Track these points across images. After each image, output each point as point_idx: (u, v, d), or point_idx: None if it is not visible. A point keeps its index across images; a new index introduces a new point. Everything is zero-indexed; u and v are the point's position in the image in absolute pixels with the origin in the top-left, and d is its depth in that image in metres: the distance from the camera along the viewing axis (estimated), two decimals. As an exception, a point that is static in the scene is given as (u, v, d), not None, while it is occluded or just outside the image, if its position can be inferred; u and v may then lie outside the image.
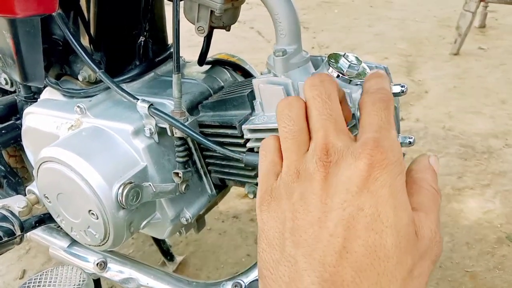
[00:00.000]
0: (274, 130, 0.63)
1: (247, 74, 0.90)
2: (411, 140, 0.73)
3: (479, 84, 2.63)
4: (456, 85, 2.64)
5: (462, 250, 1.47)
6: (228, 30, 0.75)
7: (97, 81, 0.81)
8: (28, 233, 0.94)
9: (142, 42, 0.83)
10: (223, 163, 0.77)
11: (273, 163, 0.36)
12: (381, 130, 0.32)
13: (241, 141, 0.69)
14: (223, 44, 3.21)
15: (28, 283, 0.68)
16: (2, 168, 1.04)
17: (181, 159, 0.73)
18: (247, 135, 0.67)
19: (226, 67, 0.90)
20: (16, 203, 0.82)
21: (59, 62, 0.84)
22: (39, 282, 0.69)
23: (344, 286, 0.28)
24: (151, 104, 0.69)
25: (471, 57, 3.00)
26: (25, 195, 0.85)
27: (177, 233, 0.85)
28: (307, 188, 0.31)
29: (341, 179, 0.30)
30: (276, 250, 0.31)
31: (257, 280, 0.78)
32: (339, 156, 0.31)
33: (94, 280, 0.95)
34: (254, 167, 0.69)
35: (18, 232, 0.79)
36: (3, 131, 0.96)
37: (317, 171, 0.31)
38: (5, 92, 1.05)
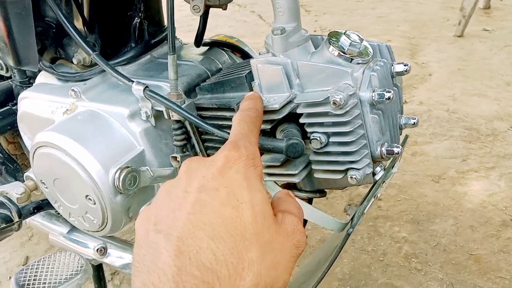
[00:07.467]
0: (273, 111, 0.61)
1: (246, 56, 0.88)
2: (414, 120, 0.71)
3: (484, 66, 2.60)
4: (460, 67, 2.60)
5: (466, 233, 1.46)
6: (225, 9, 0.73)
7: (92, 64, 0.80)
8: (27, 220, 0.93)
9: (137, 24, 0.81)
10: (221, 146, 0.75)
11: None
12: (240, 135, 0.40)
13: (240, 123, 0.68)
14: (224, 29, 3.17)
15: (26, 269, 0.68)
16: (0, 154, 1.03)
17: (178, 143, 0.72)
18: (246, 117, 0.65)
19: (225, 48, 0.88)
20: (14, 190, 0.81)
21: (53, 45, 0.82)
22: (36, 268, 0.68)
23: (200, 253, 0.32)
24: (147, 87, 0.67)
25: (475, 39, 2.96)
26: (24, 181, 0.84)
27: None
28: (172, 185, 0.37)
29: (200, 170, 0.36)
30: (142, 246, 0.35)
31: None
32: (203, 159, 0.39)
33: (96, 266, 0.94)
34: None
35: (16, 219, 0.79)
36: (-1, 117, 0.95)
37: (184, 172, 0.37)
38: (1, 78, 1.03)
